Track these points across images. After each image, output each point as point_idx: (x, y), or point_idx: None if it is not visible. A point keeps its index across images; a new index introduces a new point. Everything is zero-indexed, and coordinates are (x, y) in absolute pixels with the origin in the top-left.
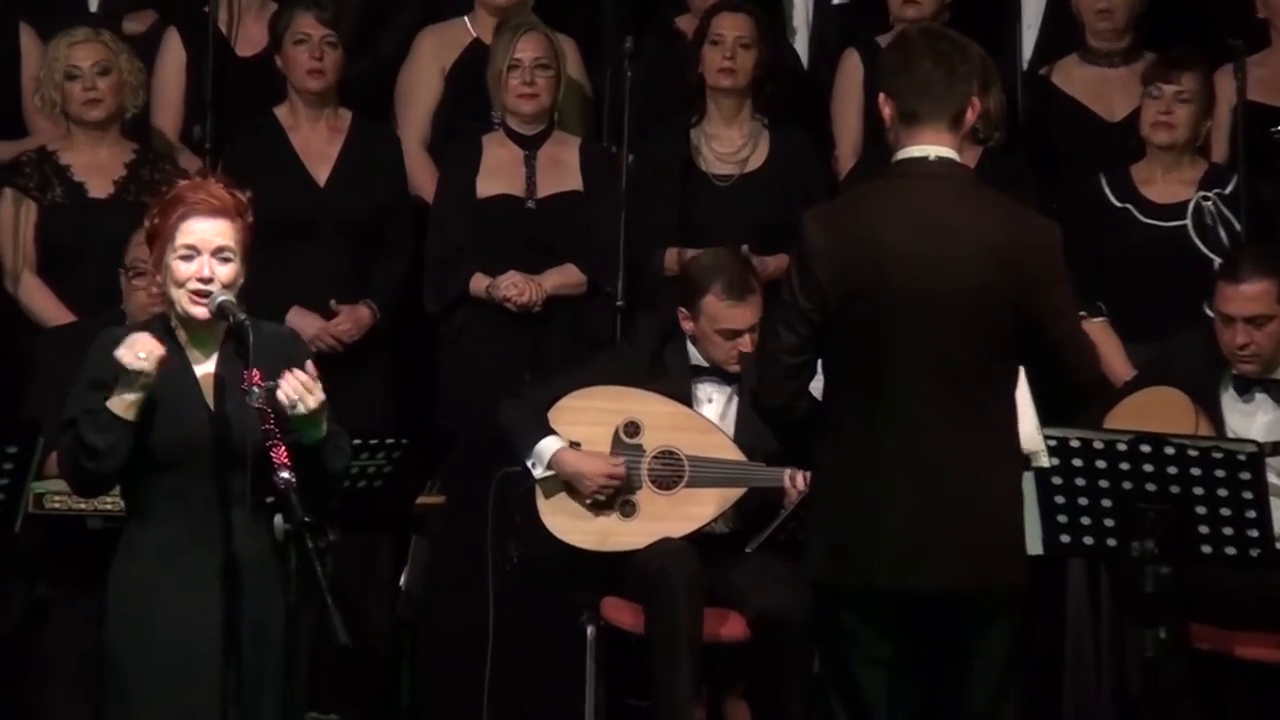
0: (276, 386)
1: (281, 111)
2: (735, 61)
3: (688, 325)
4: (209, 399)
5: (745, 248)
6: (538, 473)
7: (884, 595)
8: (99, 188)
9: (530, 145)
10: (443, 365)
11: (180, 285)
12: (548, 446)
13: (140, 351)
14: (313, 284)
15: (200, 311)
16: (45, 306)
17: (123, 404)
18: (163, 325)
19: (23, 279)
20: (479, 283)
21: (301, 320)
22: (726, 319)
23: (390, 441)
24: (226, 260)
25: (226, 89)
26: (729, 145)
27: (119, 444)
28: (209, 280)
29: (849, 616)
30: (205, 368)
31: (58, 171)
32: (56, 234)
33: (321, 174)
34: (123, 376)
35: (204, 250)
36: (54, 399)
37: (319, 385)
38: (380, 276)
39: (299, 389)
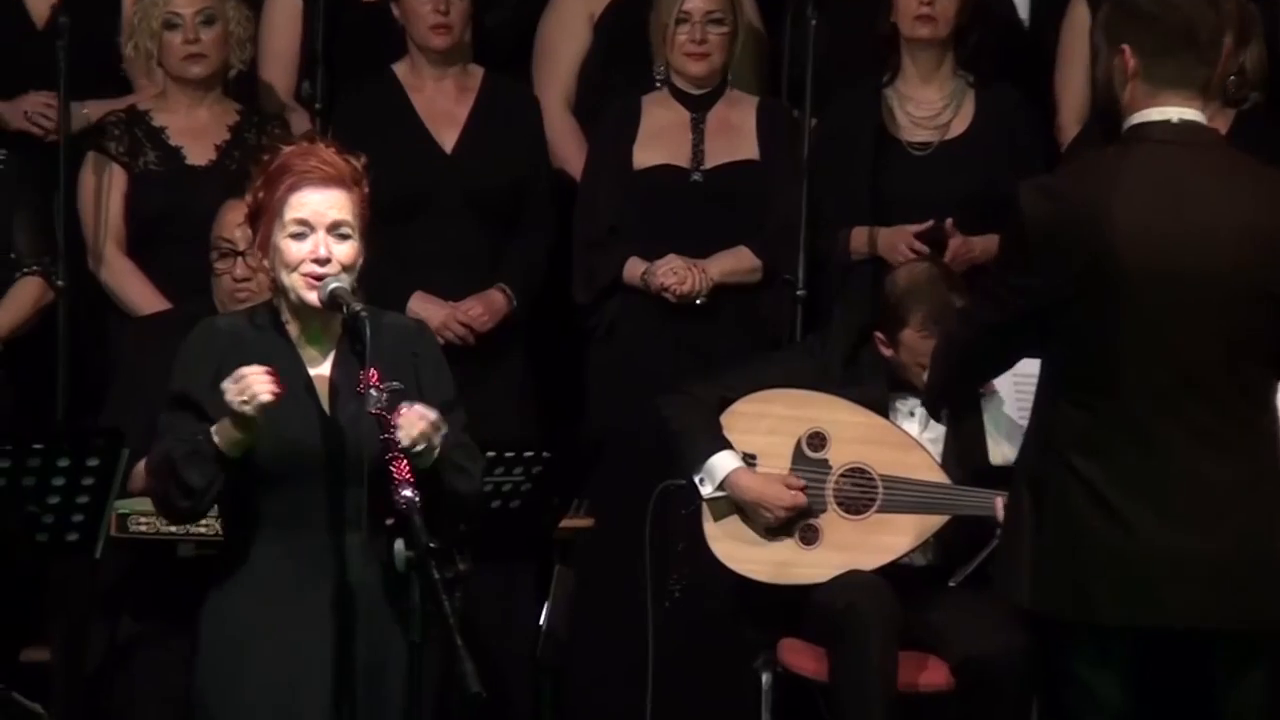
0: (399, 390)
1: (402, 68)
2: (934, 7)
3: (887, 352)
4: (324, 404)
5: (950, 222)
6: (706, 491)
7: (1119, 635)
8: (198, 154)
9: (698, 106)
10: (591, 364)
11: (292, 268)
12: (721, 464)
13: (245, 394)
14: (437, 266)
15: (315, 298)
16: (134, 291)
17: (227, 440)
18: (270, 317)
19: (108, 258)
20: (634, 268)
21: (425, 307)
22: (929, 354)
23: (529, 454)
24: (344, 237)
25: (340, 41)
26: (927, 107)
27: (217, 480)
28: (326, 261)
29: (1076, 662)
30: (321, 368)
31: (150, 134)
32: (147, 206)
33: (448, 140)
34: (231, 410)
35: (318, 226)
36: (140, 403)
37: (442, 420)
38: (516, 258)
39: (423, 430)
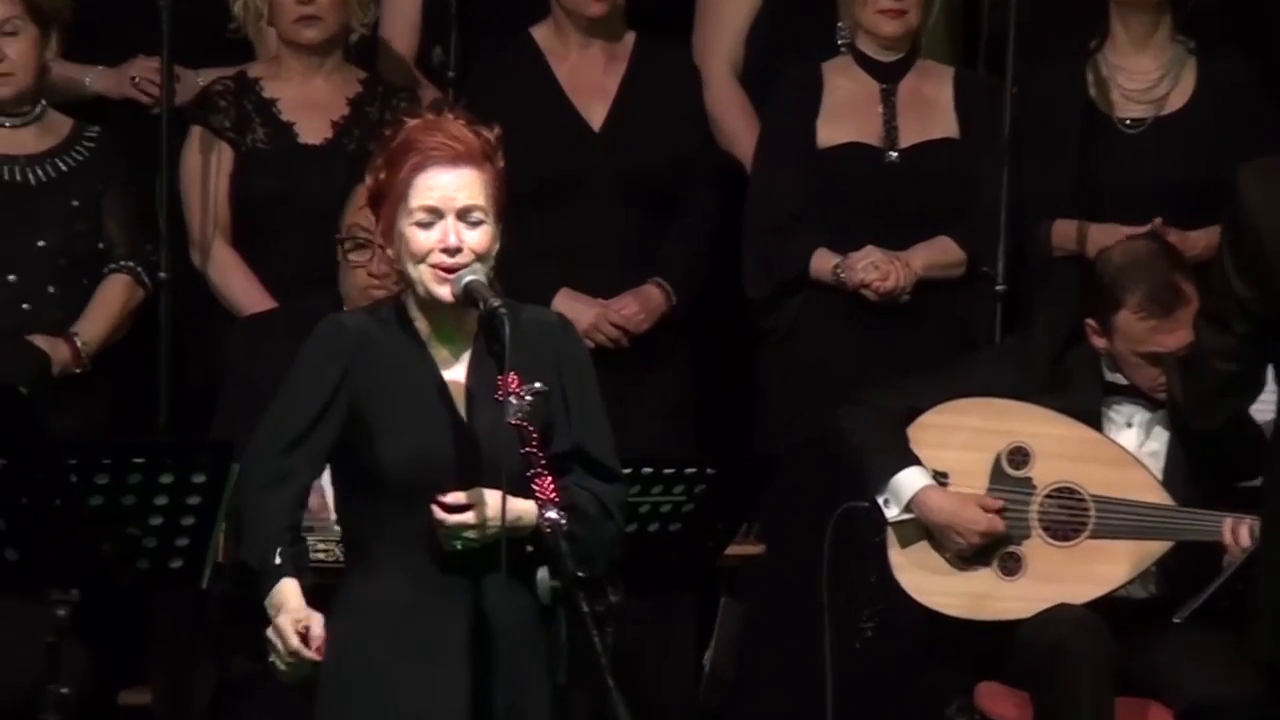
0: (543, 391)
1: (543, 33)
2: None
3: (1099, 343)
4: (460, 412)
5: (1158, 222)
6: (891, 513)
7: None
8: (313, 130)
9: (889, 76)
10: (766, 370)
11: (420, 259)
12: (908, 483)
13: (284, 659)
14: (585, 259)
15: (447, 293)
16: (240, 287)
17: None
18: (396, 314)
19: (214, 251)
20: (824, 261)
21: (572, 306)
22: (1150, 341)
23: (691, 471)
24: (477, 223)
25: (474, 2)
26: (1140, 78)
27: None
28: (457, 250)
29: None
30: (454, 372)
31: (261, 107)
32: (256, 189)
33: (596, 115)
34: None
35: (447, 211)
36: (251, 411)
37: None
38: (675, 249)
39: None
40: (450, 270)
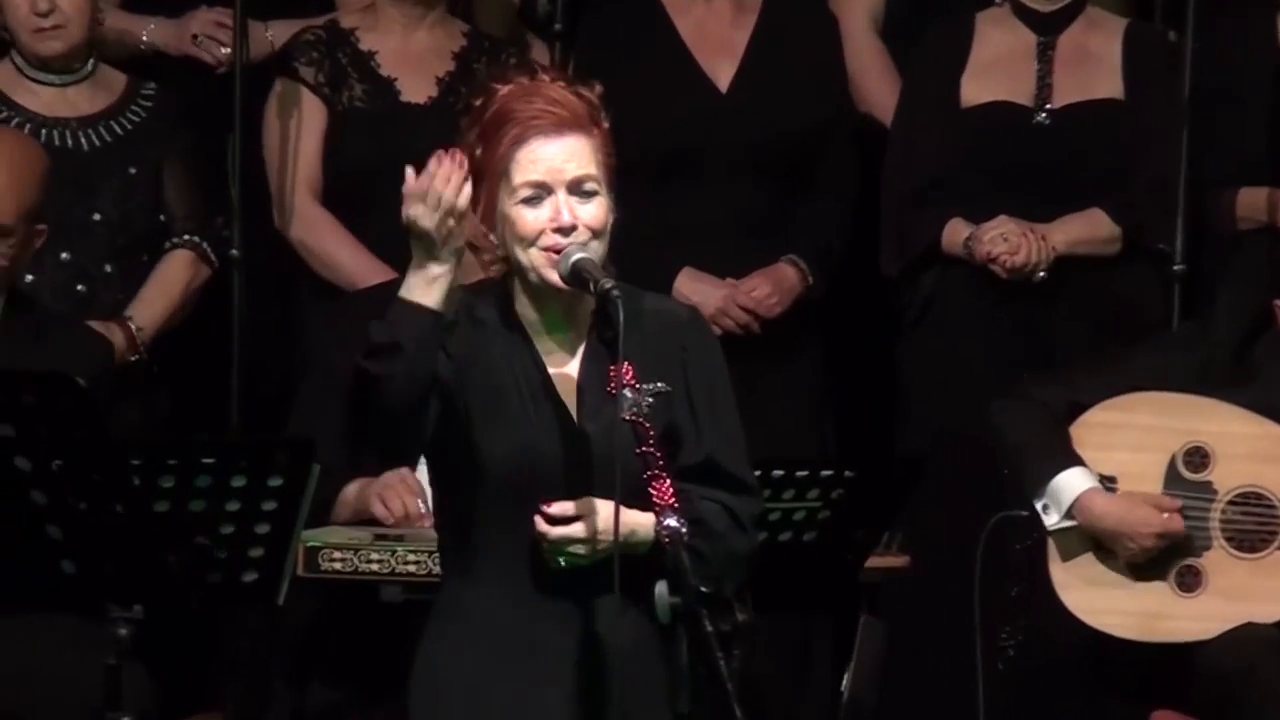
0: (664, 392)
1: None
2: None
3: None
4: (570, 410)
5: None
6: (1051, 520)
7: None
8: (416, 88)
9: (1048, 28)
10: (904, 357)
11: (529, 242)
12: (1070, 485)
13: (435, 203)
14: (711, 236)
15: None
16: (342, 252)
17: (414, 275)
18: (498, 298)
19: (301, 210)
20: (956, 232)
21: (697, 288)
22: None
23: (827, 474)
24: (589, 194)
25: None
26: None
27: (425, 334)
28: (571, 228)
29: None
30: (566, 366)
31: (357, 61)
32: (353, 153)
33: (723, 75)
34: (413, 240)
35: (556, 185)
36: (336, 405)
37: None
38: (811, 224)
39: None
40: (564, 251)
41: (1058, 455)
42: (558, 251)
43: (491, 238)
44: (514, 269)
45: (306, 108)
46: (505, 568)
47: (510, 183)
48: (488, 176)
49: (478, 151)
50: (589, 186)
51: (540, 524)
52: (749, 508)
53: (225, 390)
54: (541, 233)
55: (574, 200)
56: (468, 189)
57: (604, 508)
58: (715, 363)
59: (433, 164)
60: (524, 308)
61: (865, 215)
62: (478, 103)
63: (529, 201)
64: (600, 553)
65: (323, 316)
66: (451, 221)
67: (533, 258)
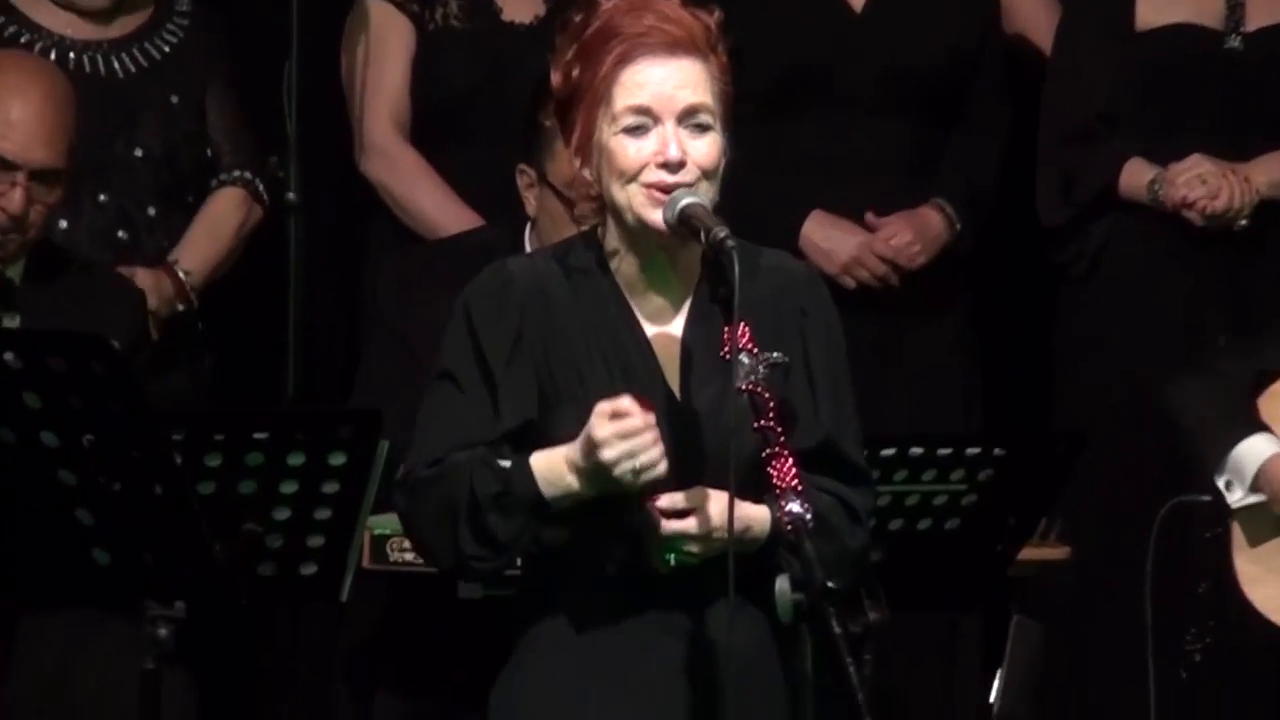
0: (781, 363)
1: None
2: None
3: None
4: (670, 379)
5: None
6: (1235, 497)
7: None
8: (520, 5)
9: None
10: (1066, 318)
11: (629, 178)
12: (1254, 452)
13: (635, 461)
14: (843, 176)
15: (662, 218)
16: (435, 201)
17: (563, 491)
18: (592, 255)
19: (385, 146)
20: (1137, 174)
21: (828, 234)
22: None
23: (974, 452)
24: (702, 128)
25: None
26: None
27: (528, 532)
28: (679, 164)
29: None
30: (668, 325)
31: None
32: (447, 80)
33: None
34: (592, 466)
35: (664, 114)
36: (406, 373)
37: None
38: (958, 163)
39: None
40: (670, 190)
41: (1239, 424)
42: (664, 190)
43: (586, 172)
44: (610, 211)
45: (392, 28)
46: (598, 569)
47: (611, 108)
48: (584, 101)
49: (575, 73)
50: (703, 118)
51: (653, 517)
52: (865, 501)
53: (280, 354)
54: (645, 167)
55: (684, 133)
56: (673, 497)
57: (717, 498)
58: (835, 332)
59: (634, 408)
60: (620, 260)
61: (1019, 154)
62: (578, 18)
63: (632, 131)
64: (713, 549)
65: (394, 268)
66: (642, 479)
67: (632, 195)
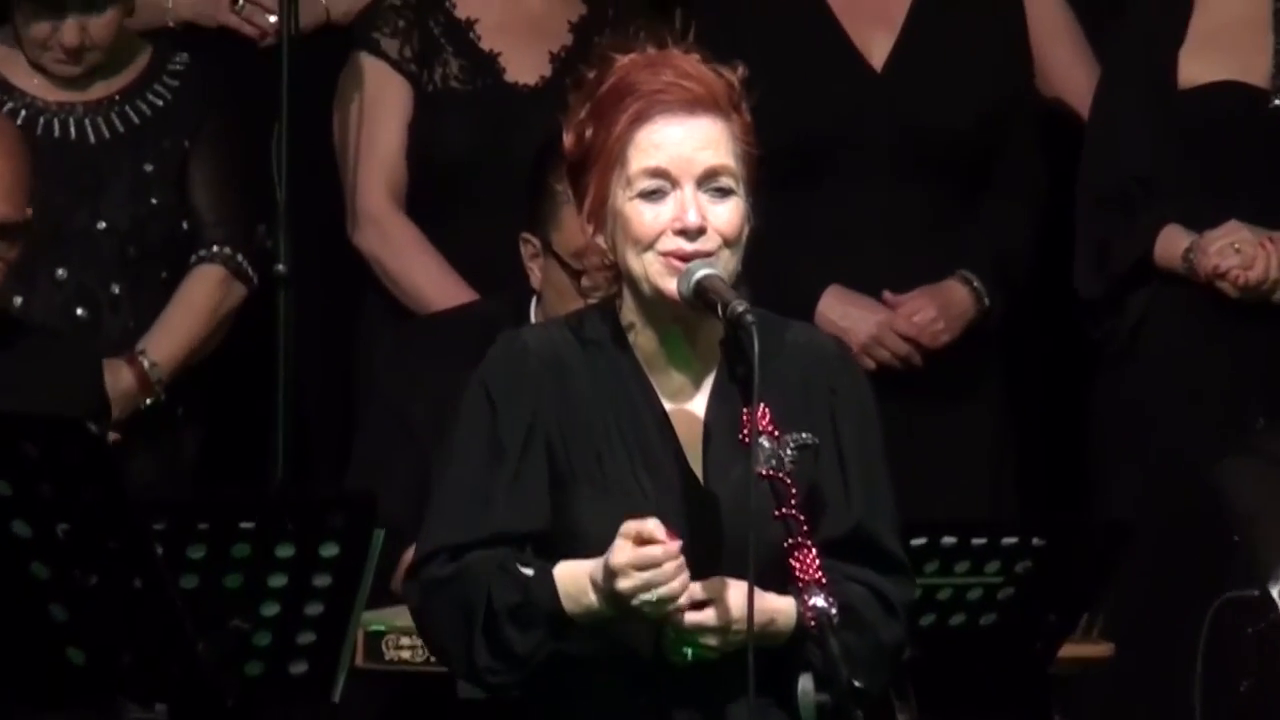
0: (810, 445)
1: None
2: None
3: None
4: (691, 461)
5: None
6: None
7: None
8: (525, 65)
9: None
10: (1104, 397)
11: (645, 245)
12: None
13: (651, 594)
14: (863, 246)
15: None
16: (430, 276)
17: (585, 610)
18: (608, 327)
19: (379, 216)
20: (1174, 242)
21: (847, 310)
22: None
23: (1010, 542)
24: (724, 193)
25: None
26: None
27: (547, 647)
28: (699, 231)
29: None
30: (685, 403)
31: (453, 31)
32: (447, 145)
33: (878, 50)
34: (610, 590)
35: (683, 177)
36: (405, 455)
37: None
38: (987, 233)
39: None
40: (688, 259)
41: None
42: (682, 258)
43: (599, 239)
44: (625, 281)
45: (388, 89)
46: (612, 668)
47: (626, 171)
48: (598, 163)
49: (588, 132)
50: (724, 182)
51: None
52: (902, 593)
53: (268, 436)
54: (662, 234)
55: (704, 197)
56: (690, 588)
57: (737, 589)
58: (869, 411)
59: (659, 533)
60: (637, 334)
61: (1055, 222)
62: (592, 74)
63: (649, 195)
64: (732, 644)
65: (391, 342)
66: (664, 609)
67: (648, 264)
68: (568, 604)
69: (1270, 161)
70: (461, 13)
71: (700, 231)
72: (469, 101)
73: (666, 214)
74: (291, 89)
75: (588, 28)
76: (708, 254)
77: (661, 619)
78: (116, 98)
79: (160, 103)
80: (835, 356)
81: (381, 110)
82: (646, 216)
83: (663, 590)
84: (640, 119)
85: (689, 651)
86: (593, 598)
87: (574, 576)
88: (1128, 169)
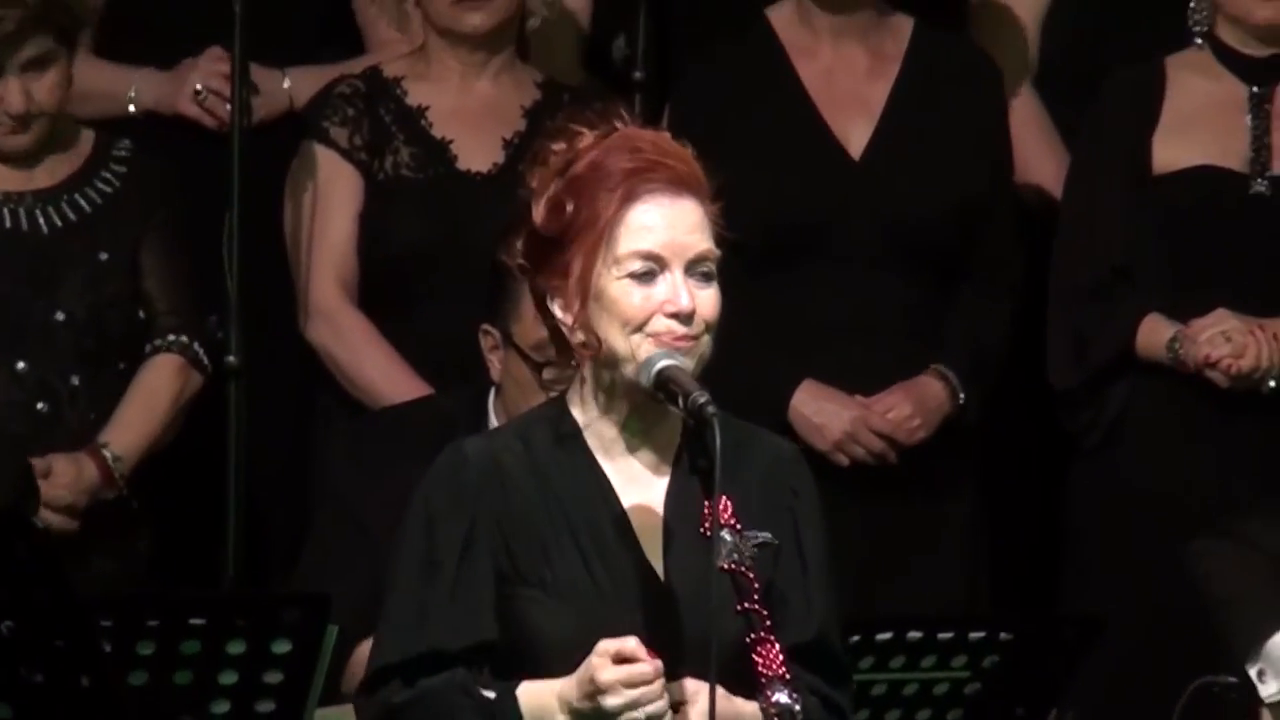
0: (770, 544)
1: (782, 17)
2: None
3: None
4: (650, 556)
5: None
6: (1269, 690)
7: None
8: (476, 152)
9: (1264, 76)
10: (1080, 492)
11: (634, 326)
12: None
13: (643, 713)
14: (837, 339)
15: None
16: (381, 369)
17: (565, 708)
18: (555, 419)
19: (326, 312)
20: (1156, 331)
21: (822, 406)
22: None
23: (978, 636)
24: (707, 278)
25: None
26: None
27: None
28: (690, 316)
29: None
30: (643, 496)
31: (404, 118)
32: (398, 234)
33: (855, 138)
34: (592, 710)
35: (673, 261)
36: (356, 553)
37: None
38: (962, 326)
39: None
40: (681, 340)
41: (1276, 608)
42: (674, 340)
43: (573, 322)
44: (602, 362)
45: (338, 179)
46: None
47: (614, 250)
48: (578, 241)
49: (567, 209)
50: (708, 267)
51: (606, 700)
52: (847, 702)
53: (219, 532)
54: (652, 316)
55: (691, 282)
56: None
57: (701, 691)
58: (822, 517)
59: (640, 652)
60: (595, 423)
61: (1029, 313)
62: (556, 147)
63: (639, 277)
64: None
65: (345, 438)
66: None
67: (636, 346)
68: (528, 713)
69: (1250, 247)
70: (413, 100)
71: (691, 315)
72: (421, 190)
73: (656, 296)
74: (245, 178)
75: (541, 113)
76: (694, 338)
77: None
78: (64, 185)
79: (109, 190)
80: (792, 459)
81: (332, 201)
82: (636, 298)
83: (651, 709)
84: (630, 199)
85: None
86: (560, 718)
87: (540, 699)
88: (1103, 258)
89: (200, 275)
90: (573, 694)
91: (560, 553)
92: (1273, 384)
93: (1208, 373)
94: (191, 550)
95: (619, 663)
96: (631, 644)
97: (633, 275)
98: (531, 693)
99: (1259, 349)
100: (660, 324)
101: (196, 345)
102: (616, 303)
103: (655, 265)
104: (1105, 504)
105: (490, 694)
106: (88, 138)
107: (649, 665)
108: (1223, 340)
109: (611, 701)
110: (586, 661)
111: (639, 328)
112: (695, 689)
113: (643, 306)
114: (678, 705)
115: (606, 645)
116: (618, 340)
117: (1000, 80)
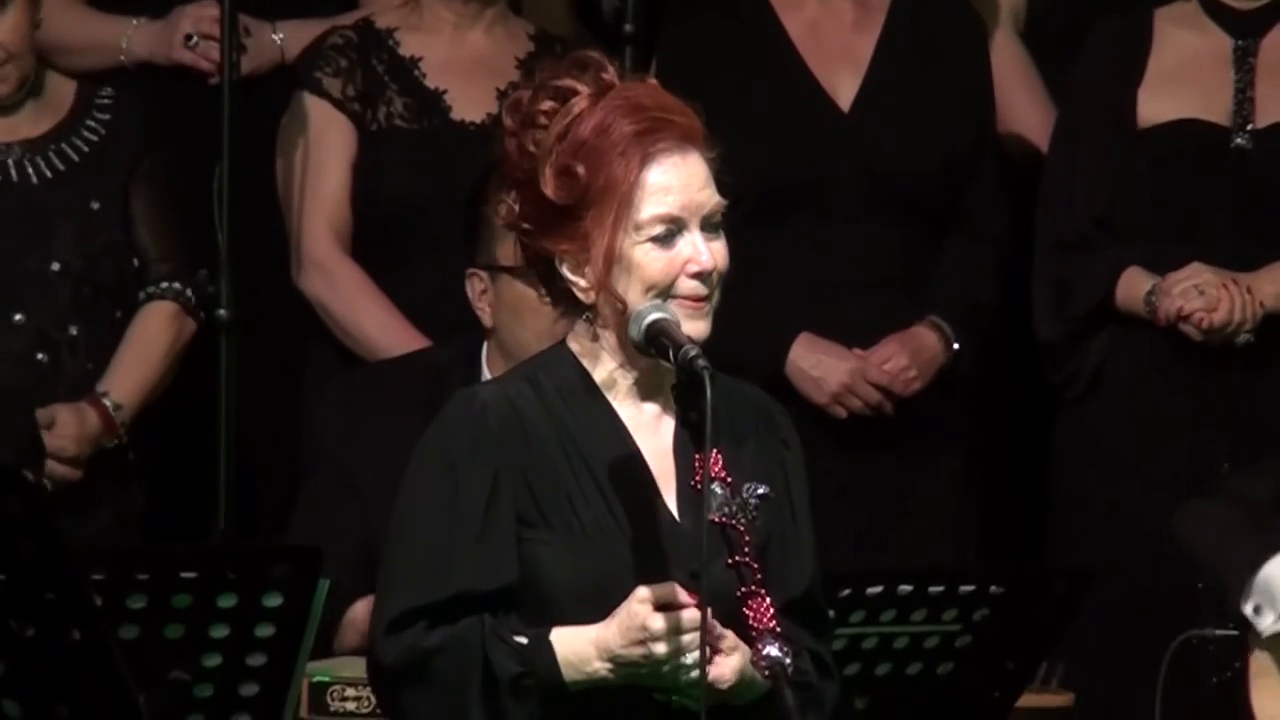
0: (765, 497)
1: None
2: None
3: None
4: (669, 501)
5: None
6: (1266, 623)
7: None
8: (470, 102)
9: (1247, 29)
10: (1064, 443)
11: (660, 289)
12: (1278, 575)
13: (661, 646)
14: (830, 292)
15: (703, 328)
16: (378, 321)
17: (592, 680)
18: (562, 365)
19: (323, 260)
20: (1134, 284)
21: (819, 359)
22: None
23: (968, 589)
24: (717, 229)
25: None
26: None
27: (538, 715)
28: (709, 272)
29: None
30: (651, 439)
31: (397, 70)
32: (392, 184)
33: (844, 90)
34: (635, 658)
35: (690, 219)
36: (349, 507)
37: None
38: (955, 277)
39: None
40: (701, 301)
41: (1264, 542)
42: (698, 301)
43: (585, 283)
44: (620, 324)
45: (331, 129)
46: (573, 713)
47: (634, 216)
48: (598, 206)
49: (580, 170)
50: (718, 219)
51: (655, 648)
52: (829, 652)
53: (210, 486)
54: (676, 277)
55: (704, 236)
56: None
57: (740, 645)
58: (803, 474)
59: (683, 596)
60: (611, 374)
61: (1013, 264)
62: (545, 107)
63: (660, 240)
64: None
65: (336, 392)
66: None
67: (669, 310)
68: (568, 672)
69: (1232, 201)
70: (406, 51)
71: (711, 271)
72: (415, 140)
73: (679, 258)
74: (235, 131)
75: (534, 63)
76: (710, 296)
77: (674, 684)
78: (50, 135)
79: (95, 138)
80: (781, 413)
81: (325, 151)
82: (660, 263)
83: (697, 655)
84: (644, 163)
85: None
86: (598, 666)
87: (575, 646)
88: (1086, 210)
89: (191, 228)
90: (614, 641)
91: (584, 497)
92: (1247, 336)
93: (1181, 326)
94: (184, 504)
95: (659, 608)
96: (674, 589)
97: (654, 239)
98: (566, 639)
99: (1232, 303)
100: (685, 287)
101: (189, 292)
102: (642, 268)
103: (674, 226)
104: (1087, 456)
105: (522, 639)
106: (70, 87)
107: (694, 611)
108: (1196, 294)
109: (661, 649)
110: (626, 608)
111: (664, 290)
112: (734, 640)
113: (667, 270)
114: (715, 653)
115: (645, 591)
116: (638, 307)
117: (984, 31)
